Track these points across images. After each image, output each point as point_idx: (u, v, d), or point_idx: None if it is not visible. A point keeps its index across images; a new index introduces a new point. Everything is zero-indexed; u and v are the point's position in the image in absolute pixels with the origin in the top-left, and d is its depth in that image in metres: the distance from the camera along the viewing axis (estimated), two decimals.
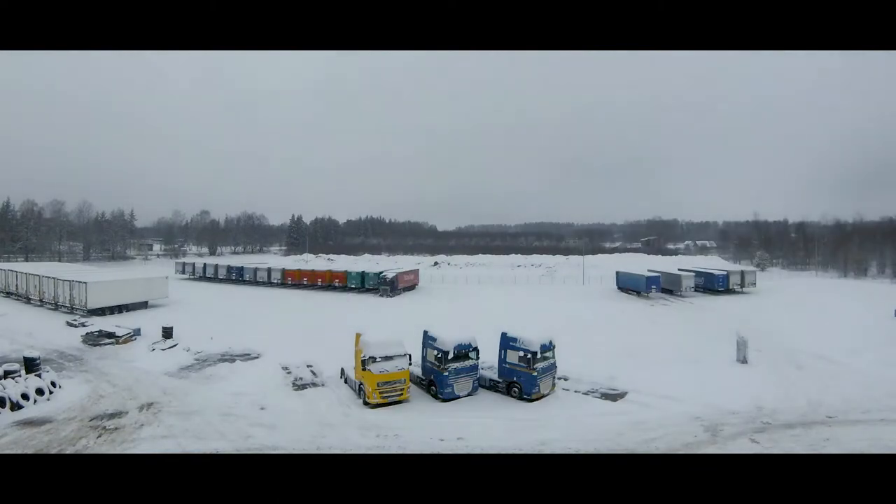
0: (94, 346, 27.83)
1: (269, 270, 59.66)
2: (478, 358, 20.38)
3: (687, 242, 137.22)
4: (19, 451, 14.77)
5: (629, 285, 51.48)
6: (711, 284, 50.55)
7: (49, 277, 41.10)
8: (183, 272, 66.76)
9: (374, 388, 18.68)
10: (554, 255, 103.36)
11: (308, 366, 23.79)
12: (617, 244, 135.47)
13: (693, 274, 51.19)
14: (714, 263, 74.41)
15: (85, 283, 37.51)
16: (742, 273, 52.57)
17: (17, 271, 46.01)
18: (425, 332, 21.41)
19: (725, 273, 51.59)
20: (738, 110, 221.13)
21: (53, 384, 19.85)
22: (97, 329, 29.94)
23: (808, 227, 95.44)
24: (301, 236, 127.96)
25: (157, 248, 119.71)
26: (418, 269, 60.66)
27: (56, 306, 39.48)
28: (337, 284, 54.06)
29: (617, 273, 54.82)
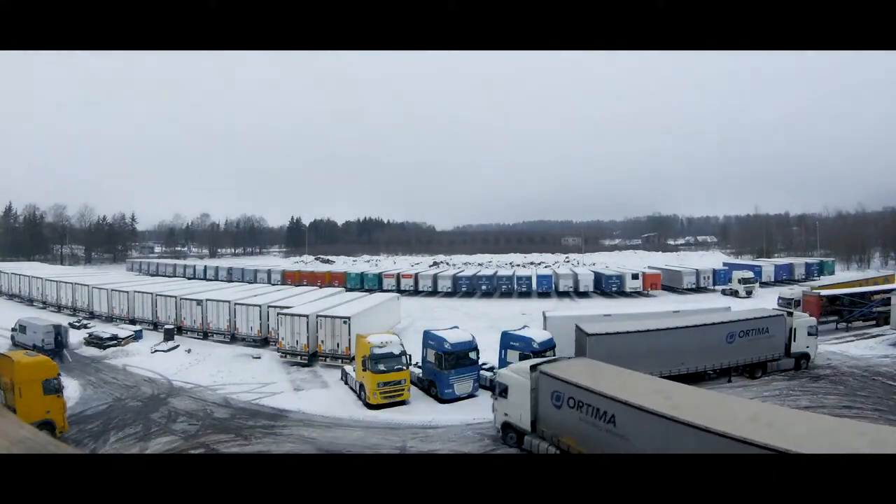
0: (97, 347, 27.88)
1: (268, 272, 59.75)
2: (478, 358, 20.39)
3: (687, 238, 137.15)
4: (19, 452, 14.80)
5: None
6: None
7: (52, 280, 41.29)
8: (183, 275, 66.87)
9: (375, 389, 18.72)
10: (553, 253, 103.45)
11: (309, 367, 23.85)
12: (616, 241, 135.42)
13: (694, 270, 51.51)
14: (715, 258, 74.51)
15: (87, 286, 37.65)
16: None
17: (20, 274, 46.22)
18: (426, 332, 21.44)
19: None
20: (738, 108, 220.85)
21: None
22: (99, 330, 29.99)
23: (809, 219, 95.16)
24: (300, 237, 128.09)
25: (158, 249, 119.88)
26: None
27: (59, 308, 39.61)
28: (336, 286, 54.08)
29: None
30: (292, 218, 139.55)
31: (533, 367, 14.83)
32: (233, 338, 29.31)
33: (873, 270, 60.01)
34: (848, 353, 24.60)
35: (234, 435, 16.45)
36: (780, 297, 33.09)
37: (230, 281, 59.19)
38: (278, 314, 26.20)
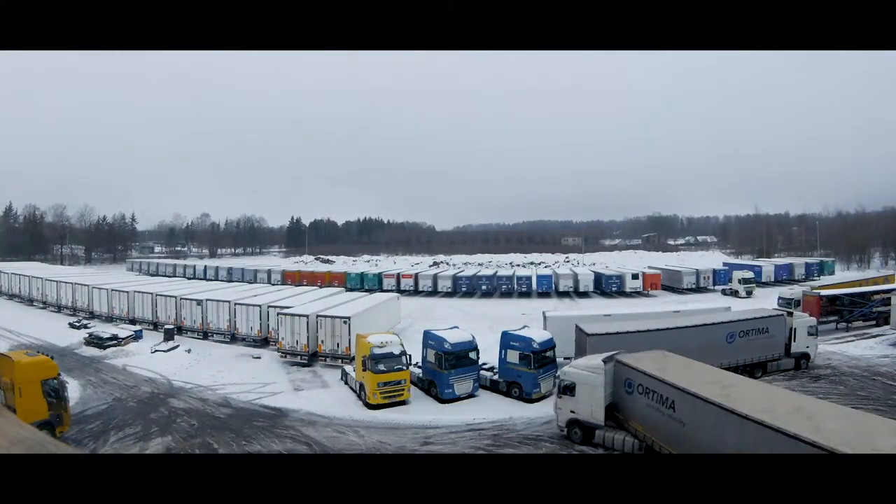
0: (97, 347, 27.88)
1: (268, 272, 59.76)
2: (478, 358, 20.38)
3: (687, 238, 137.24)
4: (19, 452, 14.79)
5: None
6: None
7: (52, 280, 41.27)
8: (183, 275, 66.86)
9: (375, 389, 18.71)
10: (553, 253, 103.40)
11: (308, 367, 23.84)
12: (616, 241, 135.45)
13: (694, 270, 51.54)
14: (715, 258, 74.58)
15: (87, 286, 37.64)
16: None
17: (20, 274, 46.18)
18: (426, 332, 21.43)
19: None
20: (738, 108, 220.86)
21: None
22: (99, 330, 29.99)
23: (809, 219, 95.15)
24: (300, 237, 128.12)
25: (158, 249, 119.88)
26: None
27: (59, 308, 39.62)
28: (336, 286, 54.09)
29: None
30: (292, 218, 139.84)
31: (607, 360, 15.79)
32: (233, 338, 29.29)
33: (873, 270, 59.95)
34: (848, 353, 24.60)
35: (235, 435, 16.45)
36: (780, 297, 33.09)
37: (230, 281, 59.23)
38: (278, 314, 26.19)
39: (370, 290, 47.77)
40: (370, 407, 18.73)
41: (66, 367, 24.24)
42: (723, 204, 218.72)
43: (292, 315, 25.45)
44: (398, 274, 54.28)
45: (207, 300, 30.64)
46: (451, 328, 21.93)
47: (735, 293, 44.27)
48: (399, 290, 47.82)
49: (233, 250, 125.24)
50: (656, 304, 36.69)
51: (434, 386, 20.02)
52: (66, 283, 39.75)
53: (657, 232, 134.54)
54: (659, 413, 13.91)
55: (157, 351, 27.00)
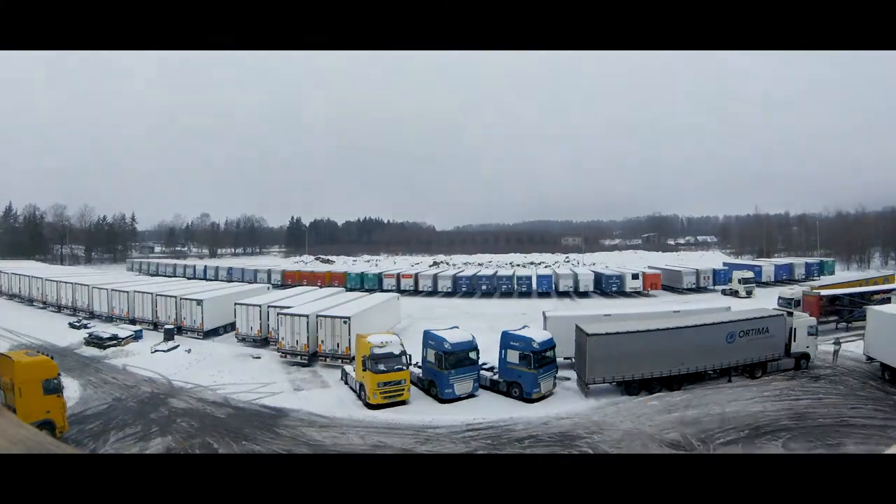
0: (96, 347, 27.88)
1: (269, 272, 59.75)
2: (478, 358, 20.39)
3: (687, 238, 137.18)
4: (19, 452, 14.78)
5: None
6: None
7: (52, 280, 41.26)
8: (183, 275, 66.87)
9: (375, 389, 18.72)
10: (553, 253, 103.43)
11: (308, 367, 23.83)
12: (616, 241, 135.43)
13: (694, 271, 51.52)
14: (715, 258, 74.62)
15: (87, 286, 37.64)
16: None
17: (20, 274, 46.18)
18: (426, 332, 21.43)
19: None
20: (738, 107, 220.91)
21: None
22: (99, 330, 29.99)
23: (809, 219, 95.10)
24: (300, 237, 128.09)
25: (158, 249, 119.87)
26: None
27: (59, 308, 39.60)
28: (336, 286, 54.06)
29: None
30: (292, 218, 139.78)
31: None
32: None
33: (873, 270, 59.93)
34: (848, 353, 24.57)
35: (235, 435, 16.46)
36: (780, 297, 33.08)
37: (230, 281, 59.14)
38: (278, 314, 26.19)
39: (370, 290, 47.67)
40: (370, 407, 18.73)
41: (66, 367, 24.24)
42: (723, 204, 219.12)
43: (292, 315, 25.45)
44: (398, 274, 54.25)
45: (207, 300, 30.65)
46: (451, 328, 21.94)
47: (735, 293, 44.28)
48: (399, 290, 47.69)
49: (233, 250, 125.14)
50: (656, 304, 36.70)
51: (434, 386, 20.02)
52: (66, 282, 39.75)
53: (657, 232, 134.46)
54: None
55: (157, 351, 27.01)
